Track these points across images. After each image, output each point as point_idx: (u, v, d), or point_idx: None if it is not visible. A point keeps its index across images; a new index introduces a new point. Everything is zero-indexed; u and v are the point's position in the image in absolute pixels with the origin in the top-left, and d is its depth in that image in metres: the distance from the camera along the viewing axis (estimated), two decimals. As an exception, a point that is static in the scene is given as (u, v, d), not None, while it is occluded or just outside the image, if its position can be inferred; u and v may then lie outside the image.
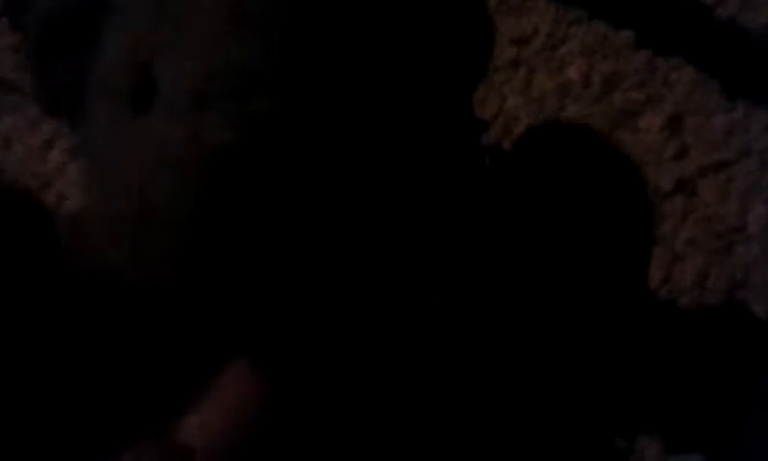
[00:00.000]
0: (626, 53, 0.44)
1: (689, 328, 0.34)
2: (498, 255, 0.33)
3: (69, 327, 0.24)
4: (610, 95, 0.43)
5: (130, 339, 0.24)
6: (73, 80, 0.26)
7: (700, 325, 0.34)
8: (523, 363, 0.32)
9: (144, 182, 0.22)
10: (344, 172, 0.23)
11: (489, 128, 0.41)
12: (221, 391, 0.24)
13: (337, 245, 0.23)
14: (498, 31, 0.46)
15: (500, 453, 0.31)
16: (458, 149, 0.29)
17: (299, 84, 0.22)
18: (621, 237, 0.37)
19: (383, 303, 0.26)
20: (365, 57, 0.24)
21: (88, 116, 0.25)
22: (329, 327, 0.24)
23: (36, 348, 0.24)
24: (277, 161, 0.22)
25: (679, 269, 0.35)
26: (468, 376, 0.30)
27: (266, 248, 0.22)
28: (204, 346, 0.24)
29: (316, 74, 0.23)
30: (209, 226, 0.22)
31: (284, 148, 0.22)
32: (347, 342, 0.25)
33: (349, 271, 0.24)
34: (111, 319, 0.24)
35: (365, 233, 0.23)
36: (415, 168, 0.25)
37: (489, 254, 0.33)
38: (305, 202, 0.22)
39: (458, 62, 0.27)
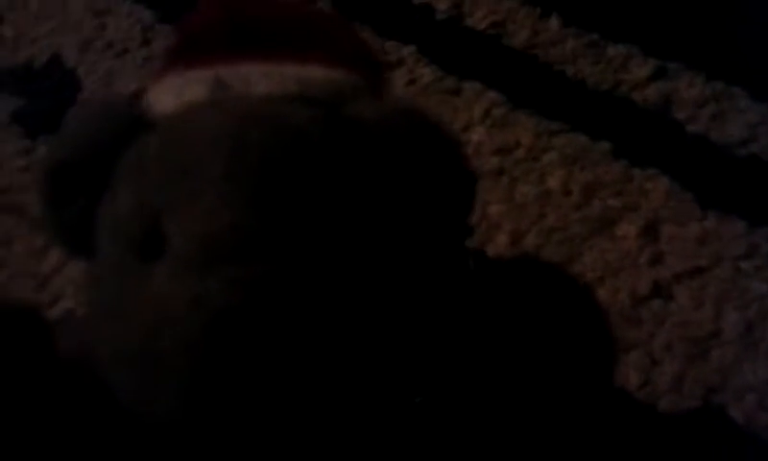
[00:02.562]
0: (604, 163, 0.47)
1: (668, 433, 0.34)
2: (478, 358, 0.34)
3: (65, 439, 0.25)
4: (589, 203, 0.44)
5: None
6: (83, 220, 0.27)
7: (678, 429, 0.34)
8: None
9: (150, 334, 0.24)
10: (339, 319, 0.24)
11: (473, 233, 0.43)
12: None
13: (335, 390, 0.24)
14: (481, 143, 0.49)
15: None
16: (445, 264, 0.30)
17: (293, 247, 0.24)
18: (599, 342, 0.38)
19: (375, 413, 0.27)
20: (353, 220, 0.25)
21: (99, 255, 0.27)
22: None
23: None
24: (275, 322, 0.23)
25: (657, 372, 0.36)
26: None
27: (264, 406, 0.24)
28: None
29: (309, 236, 0.24)
30: (211, 381, 0.23)
31: (282, 309, 0.23)
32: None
33: (346, 408, 0.25)
34: (107, 437, 0.25)
35: (363, 370, 0.25)
36: (407, 298, 0.26)
37: (469, 355, 0.34)
38: (303, 357, 0.24)
39: (442, 213, 0.28)
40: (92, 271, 0.27)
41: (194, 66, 0.29)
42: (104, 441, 0.26)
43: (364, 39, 0.39)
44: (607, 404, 0.35)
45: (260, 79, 0.28)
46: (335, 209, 0.25)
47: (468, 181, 0.29)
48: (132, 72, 0.58)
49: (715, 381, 0.36)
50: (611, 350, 0.36)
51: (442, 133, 0.28)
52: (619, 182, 0.45)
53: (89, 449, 0.26)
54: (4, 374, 0.26)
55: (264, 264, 0.23)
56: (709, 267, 0.40)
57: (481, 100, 0.51)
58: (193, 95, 0.28)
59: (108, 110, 0.29)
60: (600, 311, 0.35)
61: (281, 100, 0.27)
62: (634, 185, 0.45)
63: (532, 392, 0.34)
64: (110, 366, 0.25)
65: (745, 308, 0.38)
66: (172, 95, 0.28)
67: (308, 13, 0.34)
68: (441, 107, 0.51)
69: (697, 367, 0.36)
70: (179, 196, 0.25)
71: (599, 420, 0.34)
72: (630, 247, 0.42)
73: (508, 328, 0.34)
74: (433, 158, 0.27)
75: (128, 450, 0.26)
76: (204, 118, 0.26)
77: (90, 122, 0.28)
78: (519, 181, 0.46)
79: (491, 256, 0.42)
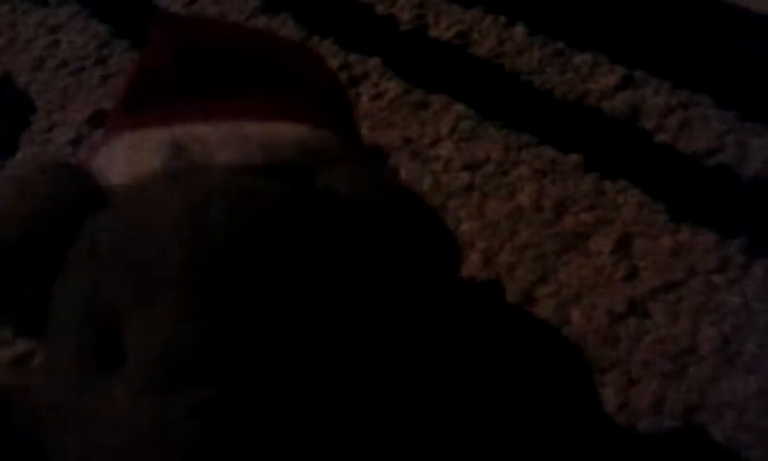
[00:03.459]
0: (574, 176, 0.46)
1: (648, 454, 0.34)
2: (455, 384, 0.33)
3: None
4: (561, 218, 0.44)
5: None
6: (33, 308, 0.25)
7: (659, 450, 0.34)
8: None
9: (115, 452, 0.22)
10: (311, 441, 0.23)
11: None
12: None
13: None
14: (450, 159, 0.48)
15: None
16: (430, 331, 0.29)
17: (259, 362, 0.22)
18: (576, 364, 0.38)
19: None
20: (328, 318, 0.23)
21: (52, 347, 0.25)
22: None
23: None
24: (243, 450, 0.22)
25: (635, 393, 0.36)
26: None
27: None
28: None
29: (278, 348, 0.22)
30: None
31: (249, 435, 0.22)
32: None
33: None
34: None
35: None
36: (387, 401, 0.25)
37: (448, 383, 0.33)
38: None
39: (424, 284, 0.26)
40: (47, 364, 0.25)
41: (148, 122, 0.26)
42: None
43: (329, 69, 0.37)
44: (587, 429, 0.35)
45: (220, 144, 0.25)
46: (308, 306, 0.23)
47: (449, 250, 0.28)
48: (88, 91, 0.56)
49: (694, 400, 0.35)
50: (588, 372, 0.36)
51: (419, 203, 0.26)
52: (591, 196, 0.45)
53: None
54: None
55: (228, 385, 0.22)
56: (684, 281, 0.40)
57: (448, 113, 0.50)
58: (148, 164, 0.25)
59: (56, 181, 0.26)
60: (574, 329, 0.35)
61: (245, 171, 0.24)
62: (605, 199, 0.45)
63: (512, 419, 0.34)
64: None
65: (721, 322, 0.38)
66: (125, 162, 0.26)
67: (269, 44, 0.32)
68: (407, 121, 0.50)
69: (675, 385, 0.36)
70: (136, 299, 0.23)
71: (580, 445, 0.34)
72: (604, 262, 0.42)
73: (485, 357, 0.33)
74: (412, 233, 0.26)
75: None
76: (161, 198, 0.24)
77: (37, 196, 0.25)
78: (490, 196, 0.45)
79: (464, 277, 0.41)
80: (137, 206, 0.24)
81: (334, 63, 0.53)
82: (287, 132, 0.26)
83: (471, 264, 0.42)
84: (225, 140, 0.25)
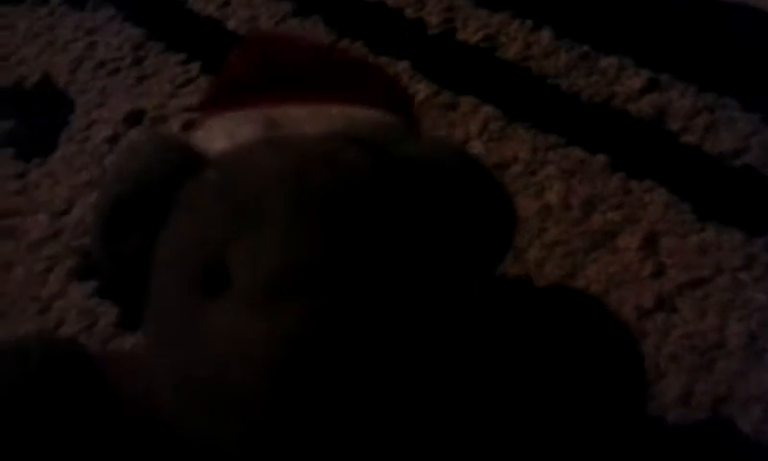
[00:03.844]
0: (602, 176, 0.47)
1: (677, 446, 0.35)
2: (487, 378, 0.34)
3: None
4: (588, 217, 0.45)
5: None
6: (139, 255, 0.27)
7: (687, 441, 0.35)
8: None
9: (221, 367, 0.24)
10: (396, 346, 0.25)
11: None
12: None
13: (395, 419, 0.25)
14: (481, 158, 0.49)
15: None
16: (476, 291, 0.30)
17: (352, 280, 0.25)
18: (605, 356, 0.38)
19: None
20: (406, 253, 0.26)
21: (156, 290, 0.27)
22: None
23: None
24: (344, 352, 0.24)
25: (664, 385, 0.37)
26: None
27: (336, 431, 0.24)
28: None
29: (367, 270, 0.25)
30: (284, 413, 0.23)
31: (349, 339, 0.24)
32: None
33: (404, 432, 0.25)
34: None
35: (419, 398, 0.26)
36: (447, 323, 0.27)
37: (480, 377, 0.34)
38: (369, 385, 0.24)
39: (485, 244, 0.29)
40: (151, 305, 0.27)
41: (239, 109, 0.29)
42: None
43: (393, 77, 0.40)
44: (614, 419, 0.36)
45: (308, 120, 0.28)
46: (389, 243, 0.26)
47: (509, 213, 0.30)
48: (125, 91, 0.57)
49: (722, 393, 0.36)
50: (616, 362, 0.37)
51: (484, 170, 0.29)
52: (618, 195, 0.46)
53: None
54: (58, 415, 0.25)
55: (329, 296, 0.24)
56: (711, 278, 0.41)
57: (477, 115, 0.51)
58: (246, 135, 0.28)
59: (163, 147, 0.29)
60: (602, 322, 0.35)
61: (332, 140, 0.27)
62: (632, 198, 0.46)
63: (542, 408, 0.35)
64: (174, 398, 0.25)
65: (748, 318, 0.39)
66: (223, 135, 0.28)
67: (338, 56, 0.36)
68: (437, 122, 0.51)
69: (703, 379, 0.37)
70: (241, 232, 0.25)
71: (609, 435, 0.35)
72: (631, 259, 0.42)
73: (512, 347, 0.34)
74: (478, 194, 0.28)
75: None
76: (261, 156, 0.27)
77: (146, 158, 0.28)
78: (519, 195, 0.46)
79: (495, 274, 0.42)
80: (238, 164, 0.27)
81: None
82: (364, 113, 0.29)
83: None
84: (312, 117, 0.28)
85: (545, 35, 0.57)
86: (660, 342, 0.39)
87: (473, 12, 0.59)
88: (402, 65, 0.55)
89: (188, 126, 0.45)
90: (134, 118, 0.54)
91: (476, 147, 0.49)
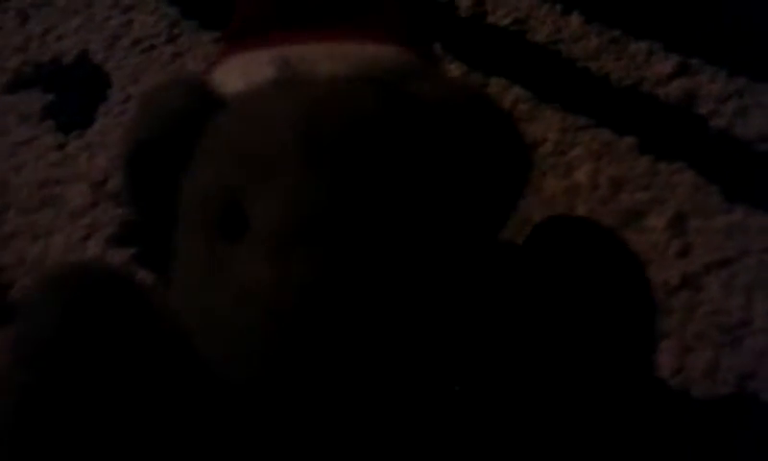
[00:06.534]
0: (630, 157, 0.47)
1: (702, 418, 0.35)
2: (510, 347, 0.34)
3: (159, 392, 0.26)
4: (616, 197, 0.45)
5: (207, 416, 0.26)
6: (164, 194, 0.28)
7: (712, 414, 0.35)
8: (535, 453, 0.33)
9: (239, 308, 0.25)
10: (411, 292, 0.25)
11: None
12: None
13: (404, 364, 0.26)
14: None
15: None
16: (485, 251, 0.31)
17: (369, 225, 0.25)
18: (631, 330, 0.39)
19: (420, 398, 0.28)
20: (421, 195, 0.27)
21: (181, 235, 0.28)
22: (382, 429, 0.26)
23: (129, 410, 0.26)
24: (358, 297, 0.24)
25: (690, 360, 0.37)
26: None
27: (347, 375, 0.25)
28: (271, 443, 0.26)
29: (384, 214, 0.26)
30: (288, 354, 0.24)
31: (364, 285, 0.25)
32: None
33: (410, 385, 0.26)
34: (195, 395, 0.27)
35: (426, 347, 0.26)
36: (458, 275, 0.27)
37: (501, 345, 0.34)
38: (382, 330, 0.25)
39: (500, 189, 0.29)
40: (176, 243, 0.28)
41: (256, 47, 0.30)
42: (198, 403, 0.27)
43: (412, 13, 0.40)
44: (641, 392, 0.36)
45: (323, 59, 0.28)
46: (403, 188, 0.26)
47: (525, 155, 0.30)
48: (160, 68, 0.59)
49: (748, 368, 0.36)
50: (642, 336, 0.37)
51: (501, 111, 0.29)
52: (646, 176, 0.46)
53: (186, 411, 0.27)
54: (110, 341, 0.27)
55: (340, 244, 0.24)
56: (737, 258, 0.41)
57: (507, 96, 0.52)
58: (260, 75, 0.28)
59: (184, 91, 0.29)
60: (628, 298, 0.36)
61: (346, 80, 0.28)
62: (660, 179, 0.46)
63: (565, 376, 0.35)
64: (199, 334, 0.26)
65: (774, 298, 0.39)
66: (239, 75, 0.29)
67: None
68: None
69: (730, 354, 0.37)
70: (257, 177, 0.26)
71: (635, 408, 0.35)
72: (658, 238, 0.43)
73: (537, 319, 0.34)
74: (494, 136, 0.28)
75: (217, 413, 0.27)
76: (276, 99, 0.27)
77: (168, 101, 0.29)
78: (547, 174, 0.47)
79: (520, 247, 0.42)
80: (253, 108, 0.27)
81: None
82: (381, 51, 0.30)
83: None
84: (327, 56, 0.28)
85: (575, 19, 0.57)
86: (686, 319, 0.39)
87: (504, -5, 0.60)
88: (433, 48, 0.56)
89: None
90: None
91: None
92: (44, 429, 0.25)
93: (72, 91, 0.57)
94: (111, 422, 0.26)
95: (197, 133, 0.28)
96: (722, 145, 0.47)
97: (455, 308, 0.27)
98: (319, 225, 0.25)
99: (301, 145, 0.26)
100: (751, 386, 0.36)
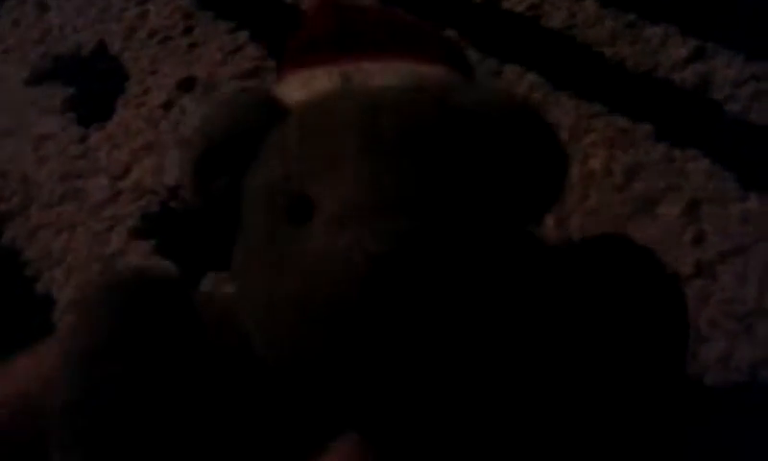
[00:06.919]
0: (645, 145, 0.48)
1: (715, 405, 0.36)
2: (528, 338, 0.35)
3: (204, 392, 0.28)
4: (631, 184, 0.46)
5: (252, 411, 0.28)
6: (227, 195, 0.30)
7: (725, 401, 0.36)
8: (551, 441, 0.34)
9: (308, 281, 0.26)
10: (472, 273, 0.27)
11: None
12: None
13: (472, 348, 0.27)
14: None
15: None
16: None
17: (426, 207, 0.27)
18: (644, 317, 0.39)
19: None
20: (469, 189, 0.28)
21: (246, 225, 0.29)
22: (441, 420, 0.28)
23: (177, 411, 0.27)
24: (423, 269, 0.25)
25: (703, 348, 0.38)
26: None
27: (412, 351, 0.26)
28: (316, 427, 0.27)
29: (436, 199, 0.27)
30: (364, 325, 0.25)
31: (427, 257, 0.26)
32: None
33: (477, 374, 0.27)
34: (241, 390, 0.28)
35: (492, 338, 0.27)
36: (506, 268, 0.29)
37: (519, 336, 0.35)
38: (448, 307, 0.26)
39: (537, 192, 0.31)
40: (240, 237, 0.30)
41: (316, 65, 0.32)
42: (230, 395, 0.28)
43: (453, 41, 0.41)
44: (652, 378, 0.37)
45: (379, 73, 0.31)
46: (454, 181, 0.28)
47: (563, 161, 0.31)
48: (176, 59, 0.59)
49: (761, 356, 0.37)
50: (656, 323, 0.37)
51: (543, 121, 0.31)
52: (661, 163, 0.46)
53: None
54: (156, 340, 0.28)
55: (408, 219, 0.26)
56: (751, 246, 0.41)
57: (522, 82, 0.52)
58: (322, 86, 0.30)
59: (251, 99, 0.31)
60: (642, 285, 0.36)
61: (401, 90, 0.30)
62: (675, 166, 0.46)
63: (588, 367, 0.36)
64: (263, 314, 0.27)
65: (788, 286, 0.39)
66: (300, 87, 0.31)
67: (404, 20, 0.38)
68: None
69: (743, 343, 0.37)
70: (322, 167, 0.27)
71: (648, 393, 0.36)
72: (673, 226, 0.43)
73: (552, 308, 0.34)
74: (535, 142, 0.30)
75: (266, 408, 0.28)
76: (337, 102, 0.29)
77: (236, 108, 0.31)
78: (562, 162, 0.47)
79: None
80: (317, 111, 0.29)
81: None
82: (429, 69, 0.32)
83: (545, 226, 0.44)
84: (382, 71, 0.31)
85: (590, 4, 0.57)
86: (700, 307, 0.39)
87: (518, -19, 0.59)
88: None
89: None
90: (187, 85, 0.56)
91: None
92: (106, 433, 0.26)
93: (92, 83, 0.58)
94: (169, 423, 0.27)
95: (261, 137, 0.30)
96: (737, 131, 0.47)
97: (513, 289, 0.28)
98: (387, 199, 0.26)
99: (364, 139, 0.28)
100: (764, 375, 0.36)
